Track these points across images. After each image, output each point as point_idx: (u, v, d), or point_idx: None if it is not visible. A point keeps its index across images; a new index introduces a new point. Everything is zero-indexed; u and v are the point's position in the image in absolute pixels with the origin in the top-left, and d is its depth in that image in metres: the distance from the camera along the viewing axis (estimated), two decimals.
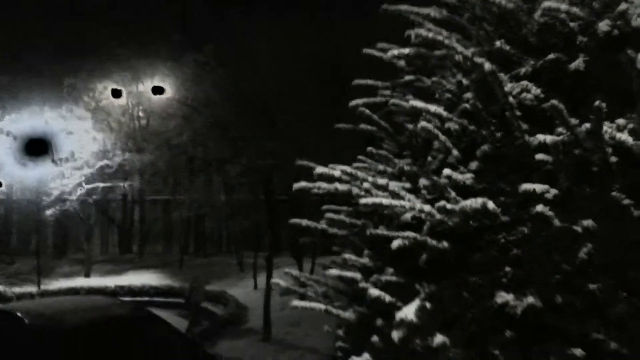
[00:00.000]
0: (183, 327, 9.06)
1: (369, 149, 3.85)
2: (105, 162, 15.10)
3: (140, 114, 18.37)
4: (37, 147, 16.44)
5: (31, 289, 16.43)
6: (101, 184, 16.61)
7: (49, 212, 16.10)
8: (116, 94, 17.37)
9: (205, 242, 25.05)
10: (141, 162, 14.49)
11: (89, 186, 15.78)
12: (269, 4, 14.30)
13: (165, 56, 15.13)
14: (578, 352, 2.29)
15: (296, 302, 3.46)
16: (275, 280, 3.74)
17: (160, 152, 13.73)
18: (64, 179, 15.54)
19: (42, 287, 16.78)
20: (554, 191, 2.46)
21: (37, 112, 16.69)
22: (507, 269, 2.53)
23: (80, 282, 18.03)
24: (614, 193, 2.36)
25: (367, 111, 3.82)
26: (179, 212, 18.99)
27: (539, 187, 2.45)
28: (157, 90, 15.53)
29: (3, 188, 17.80)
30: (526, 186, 2.47)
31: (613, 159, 2.38)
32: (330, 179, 3.18)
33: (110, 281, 17.53)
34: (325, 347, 8.86)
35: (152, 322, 6.19)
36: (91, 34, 17.94)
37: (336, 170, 3.14)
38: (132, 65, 16.50)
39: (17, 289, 16.16)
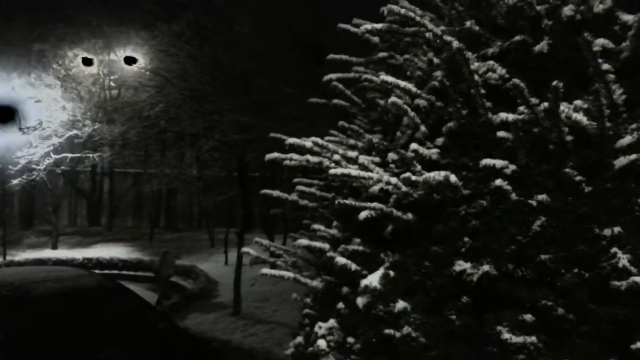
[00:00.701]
0: (152, 301, 9.12)
1: (341, 123, 3.93)
2: (75, 132, 14.78)
3: (112, 84, 17.98)
4: (3, 115, 16.01)
5: None
6: (70, 155, 16.31)
7: (15, 181, 15.77)
8: (87, 62, 16.95)
9: (176, 217, 24.91)
10: (111, 134, 14.22)
11: (57, 156, 15.48)
12: None
13: (138, 25, 14.78)
14: (528, 317, 2.44)
15: (265, 270, 3.55)
16: (245, 249, 3.81)
17: (132, 123, 13.51)
18: (31, 148, 15.17)
19: (8, 257, 16.54)
20: (512, 167, 2.60)
21: (3, 78, 16.20)
22: (466, 239, 2.66)
23: (47, 253, 17.83)
24: (567, 170, 2.51)
25: (341, 86, 3.89)
26: (150, 186, 18.82)
27: (498, 163, 2.59)
28: (130, 60, 15.21)
29: None
30: (487, 161, 2.60)
31: (569, 137, 2.52)
32: (301, 150, 3.27)
33: (78, 253, 17.38)
34: (293, 322, 9.04)
35: (122, 293, 6.21)
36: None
37: (308, 142, 3.22)
38: (104, 33, 16.09)
39: None
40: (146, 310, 6.02)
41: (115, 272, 15.31)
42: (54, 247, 19.05)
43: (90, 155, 15.91)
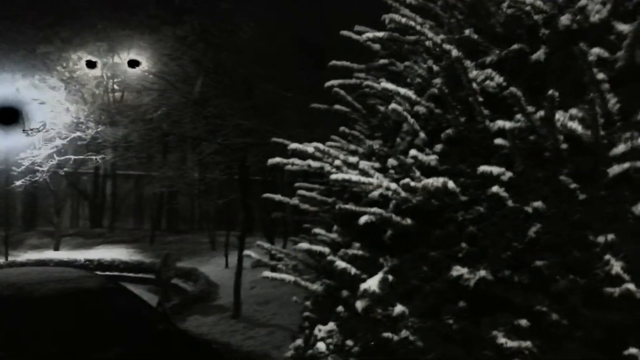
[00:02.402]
0: (153, 303, 9.17)
1: (342, 129, 3.99)
2: (78, 134, 14.85)
3: (115, 86, 18.08)
4: (7, 116, 16.11)
5: None
6: (73, 157, 16.39)
7: (18, 182, 15.84)
8: (91, 64, 17.06)
9: (178, 219, 24.98)
10: (114, 136, 14.30)
11: (61, 158, 15.56)
12: None
13: (143, 29, 14.86)
14: (523, 322, 2.48)
15: (267, 273, 3.59)
16: (247, 252, 3.86)
17: (135, 126, 13.59)
18: (34, 149, 15.25)
19: (10, 258, 16.60)
20: (509, 174, 2.64)
21: (8, 80, 16.31)
22: (463, 244, 2.71)
23: (49, 254, 17.91)
24: (562, 177, 2.55)
25: (342, 92, 3.95)
26: (152, 188, 18.90)
27: (495, 170, 2.63)
28: (134, 63, 15.30)
29: None
30: (484, 168, 2.65)
31: (564, 145, 2.56)
32: (303, 155, 3.32)
33: (80, 255, 17.45)
34: (293, 325, 9.09)
35: (123, 295, 6.26)
36: (67, 3, 17.51)
37: (310, 147, 3.27)
38: (109, 36, 16.19)
39: None
40: (147, 312, 6.07)
41: (116, 273, 15.38)
42: (56, 248, 19.13)
43: (93, 157, 15.97)
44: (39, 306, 5.34)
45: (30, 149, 15.11)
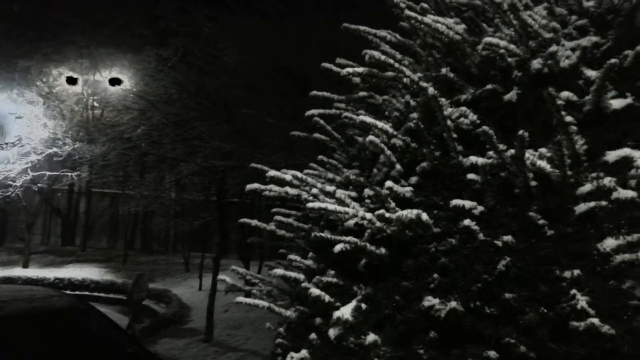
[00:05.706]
0: (124, 324, 8.99)
1: (320, 157, 4.06)
2: (55, 150, 14.67)
3: (95, 104, 17.96)
4: None
5: None
6: (48, 172, 16.15)
7: None
8: (71, 81, 16.95)
9: (152, 239, 24.62)
10: (92, 153, 14.17)
11: (35, 173, 15.31)
12: (239, 8, 14.37)
13: (127, 48, 14.88)
14: (492, 353, 2.53)
15: (240, 298, 3.60)
16: (221, 276, 3.86)
17: (113, 144, 13.50)
18: (8, 164, 15.00)
19: None
20: (480, 208, 2.73)
21: None
22: (435, 275, 2.77)
23: (17, 272, 17.42)
24: (531, 213, 2.65)
25: (322, 121, 4.03)
26: (127, 207, 18.67)
27: (467, 204, 2.72)
28: (115, 81, 15.27)
29: None
30: (456, 202, 2.73)
31: (533, 183, 2.67)
32: (281, 182, 3.37)
33: (50, 273, 17.00)
34: (265, 350, 9.00)
35: (92, 316, 6.14)
36: (51, 18, 17.46)
37: (288, 175, 3.32)
38: (91, 53, 16.16)
39: None
40: (116, 334, 5.96)
41: (87, 293, 14.99)
42: (25, 265, 18.64)
43: (69, 174, 15.76)
44: (4, 326, 5.21)
45: (4, 164, 14.86)
